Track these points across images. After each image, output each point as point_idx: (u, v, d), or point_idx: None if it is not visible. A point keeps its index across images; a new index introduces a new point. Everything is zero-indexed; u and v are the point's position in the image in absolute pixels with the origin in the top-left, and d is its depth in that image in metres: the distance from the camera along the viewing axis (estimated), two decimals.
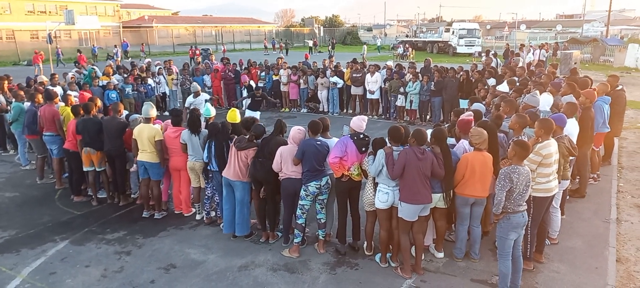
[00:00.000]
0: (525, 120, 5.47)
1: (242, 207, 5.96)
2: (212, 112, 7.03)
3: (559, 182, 5.31)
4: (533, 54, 22.56)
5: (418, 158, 4.84)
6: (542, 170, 4.90)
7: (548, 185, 4.97)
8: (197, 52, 36.02)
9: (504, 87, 9.19)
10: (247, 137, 5.85)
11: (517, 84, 8.83)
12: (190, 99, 10.60)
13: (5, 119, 9.82)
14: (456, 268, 5.37)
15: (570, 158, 5.66)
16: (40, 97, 8.37)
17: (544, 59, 21.62)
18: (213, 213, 6.66)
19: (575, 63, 20.24)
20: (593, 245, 5.87)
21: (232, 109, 6.94)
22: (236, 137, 5.99)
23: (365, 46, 42.33)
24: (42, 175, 8.55)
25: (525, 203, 4.57)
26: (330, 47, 46.00)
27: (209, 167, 6.30)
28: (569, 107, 6.31)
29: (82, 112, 7.20)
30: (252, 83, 13.03)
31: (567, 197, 6.99)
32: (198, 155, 6.38)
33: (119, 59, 29.88)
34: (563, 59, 21.14)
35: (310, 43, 49.53)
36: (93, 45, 40.46)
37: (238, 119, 6.58)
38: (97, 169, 7.18)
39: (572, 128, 6.02)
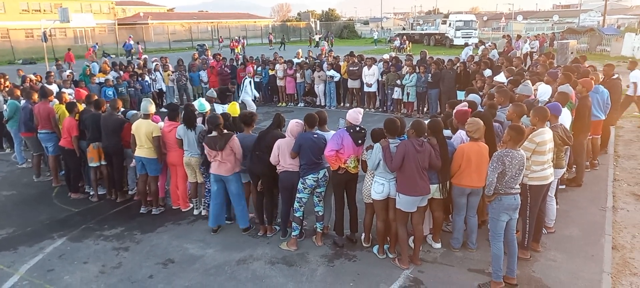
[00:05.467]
0: (523, 109, 5.51)
1: (240, 199, 5.95)
2: (207, 107, 7.04)
3: None
4: (530, 44, 22.65)
5: (416, 149, 4.84)
6: (537, 158, 4.92)
7: (543, 173, 4.99)
8: (242, 42, 37.95)
9: (501, 78, 9.20)
10: (217, 135, 5.67)
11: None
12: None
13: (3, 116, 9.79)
14: (453, 258, 5.40)
15: (565, 147, 5.67)
16: (35, 95, 8.34)
17: (535, 50, 21.86)
18: None
19: (572, 52, 20.24)
20: (589, 233, 5.90)
21: (233, 102, 6.92)
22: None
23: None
24: (39, 173, 8.55)
25: (518, 187, 4.63)
26: (329, 42, 45.31)
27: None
28: (560, 96, 6.33)
29: (78, 108, 7.17)
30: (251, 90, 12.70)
31: (563, 186, 7.02)
32: (193, 150, 6.37)
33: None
34: (560, 49, 21.16)
35: (317, 37, 49.37)
36: (95, 43, 39.15)
37: (238, 112, 6.56)
38: (102, 163, 7.15)
39: (564, 117, 6.03)
